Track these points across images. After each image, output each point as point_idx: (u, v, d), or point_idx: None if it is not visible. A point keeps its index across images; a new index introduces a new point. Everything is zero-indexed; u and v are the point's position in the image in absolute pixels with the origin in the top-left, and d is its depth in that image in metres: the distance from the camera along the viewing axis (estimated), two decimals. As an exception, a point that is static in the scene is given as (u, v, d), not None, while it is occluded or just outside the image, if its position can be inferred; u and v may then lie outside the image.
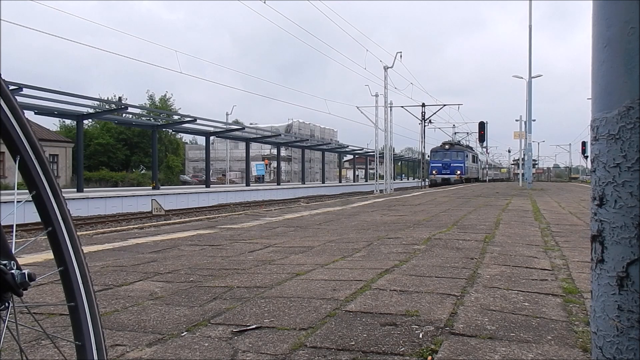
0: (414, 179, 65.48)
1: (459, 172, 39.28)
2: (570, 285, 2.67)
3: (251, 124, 50.72)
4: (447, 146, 41.24)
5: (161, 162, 45.71)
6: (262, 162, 53.03)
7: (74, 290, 0.94)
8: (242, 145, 38.96)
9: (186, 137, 61.34)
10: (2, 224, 0.79)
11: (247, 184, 34.74)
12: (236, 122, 49.35)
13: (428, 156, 42.63)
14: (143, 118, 38.61)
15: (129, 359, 1.63)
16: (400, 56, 30.09)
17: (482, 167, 58.34)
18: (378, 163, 34.73)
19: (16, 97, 0.84)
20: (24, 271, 0.79)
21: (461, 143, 47.43)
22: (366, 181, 55.75)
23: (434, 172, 39.81)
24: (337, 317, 2.07)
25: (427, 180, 38.91)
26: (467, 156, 41.58)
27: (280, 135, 38.83)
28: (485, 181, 50.53)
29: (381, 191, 28.65)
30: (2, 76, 0.81)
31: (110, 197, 19.91)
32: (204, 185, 31.55)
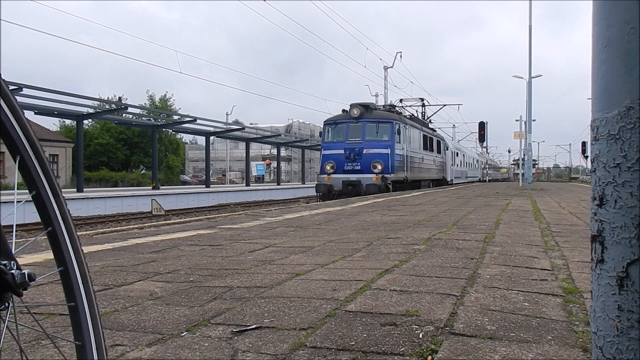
0: None
1: (379, 166, 18.38)
2: (570, 285, 2.67)
3: (251, 124, 50.78)
4: (355, 111, 19.28)
5: (161, 162, 45.73)
6: (262, 162, 53.03)
7: (74, 290, 0.95)
8: (242, 145, 38.95)
9: (186, 137, 61.47)
10: (2, 224, 0.79)
11: (247, 184, 34.75)
12: (236, 122, 49.39)
13: (320, 134, 22.83)
14: (143, 118, 38.62)
15: (129, 359, 1.63)
16: (400, 56, 30.13)
17: (481, 165, 50.25)
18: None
19: (16, 97, 0.84)
20: (24, 271, 0.79)
21: (395, 109, 23.69)
22: (366, 181, 55.49)
23: (327, 167, 18.95)
24: (337, 317, 2.07)
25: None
26: (398, 132, 19.50)
27: (280, 135, 38.83)
28: (485, 181, 49.80)
29: (381, 191, 28.63)
30: (2, 76, 0.81)
31: (110, 197, 19.91)
32: (204, 185, 31.57)
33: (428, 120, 30.99)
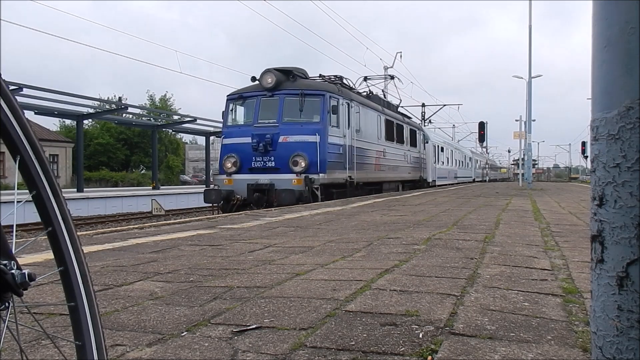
0: None
1: (302, 162, 11.95)
2: (570, 285, 2.67)
3: (251, 124, 50.71)
4: (269, 79, 12.54)
5: (161, 162, 45.73)
6: (262, 162, 52.93)
7: (74, 290, 0.95)
8: (242, 145, 38.91)
9: (186, 137, 61.48)
10: (2, 224, 0.79)
11: (247, 184, 34.72)
12: (236, 122, 49.28)
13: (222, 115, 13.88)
14: (143, 118, 38.65)
15: (129, 359, 1.63)
16: (400, 56, 30.14)
17: (476, 164, 45.94)
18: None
19: (16, 97, 0.84)
20: (24, 271, 0.79)
21: (340, 81, 14.68)
22: (366, 181, 55.38)
23: (227, 164, 12.61)
24: (337, 317, 2.07)
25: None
26: (334, 111, 12.70)
27: (280, 135, 38.74)
28: (484, 181, 49.70)
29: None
30: (2, 76, 0.81)
31: (110, 197, 19.93)
32: (204, 185, 31.58)
33: (414, 115, 24.98)
